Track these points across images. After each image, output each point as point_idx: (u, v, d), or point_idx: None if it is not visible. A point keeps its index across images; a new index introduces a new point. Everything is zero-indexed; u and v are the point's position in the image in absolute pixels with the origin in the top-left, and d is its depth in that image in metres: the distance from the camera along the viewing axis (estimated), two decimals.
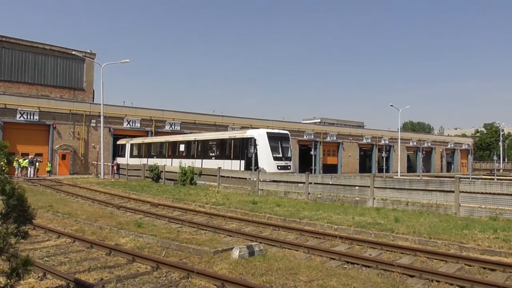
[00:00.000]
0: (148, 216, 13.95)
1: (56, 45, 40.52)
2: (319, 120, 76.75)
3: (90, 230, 10.91)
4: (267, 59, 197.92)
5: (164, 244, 9.16)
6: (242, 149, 25.58)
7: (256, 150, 24.59)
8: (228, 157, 27.10)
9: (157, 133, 41.40)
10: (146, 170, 28.67)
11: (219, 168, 23.34)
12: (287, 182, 19.62)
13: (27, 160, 31.98)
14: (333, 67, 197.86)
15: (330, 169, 53.12)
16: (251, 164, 24.36)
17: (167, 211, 15.58)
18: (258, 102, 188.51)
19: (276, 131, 27.53)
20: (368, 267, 7.85)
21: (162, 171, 27.11)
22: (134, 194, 20.80)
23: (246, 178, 21.68)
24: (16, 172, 30.59)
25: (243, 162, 25.29)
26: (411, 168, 65.91)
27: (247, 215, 14.04)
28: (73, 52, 37.79)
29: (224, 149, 28.33)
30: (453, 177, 15.31)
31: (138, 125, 41.04)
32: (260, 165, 24.11)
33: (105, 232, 10.72)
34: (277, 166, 24.39)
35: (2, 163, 4.85)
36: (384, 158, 51.03)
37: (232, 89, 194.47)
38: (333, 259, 8.43)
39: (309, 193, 18.06)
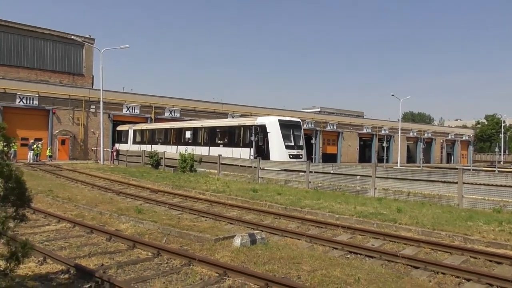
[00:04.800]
0: (148, 202, 13.85)
1: (55, 30, 40.06)
2: (318, 109, 76.24)
3: (90, 215, 10.81)
4: (267, 46, 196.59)
5: (164, 231, 9.07)
6: (252, 137, 24.85)
7: (267, 138, 24.09)
8: (237, 145, 26.55)
9: (156, 120, 41.16)
10: (146, 156, 28.51)
11: (219, 155, 23.20)
12: (287, 170, 19.51)
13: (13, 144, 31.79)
14: (332, 55, 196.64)
15: (330, 158, 53.02)
16: (262, 152, 23.88)
17: (167, 197, 15.48)
18: (257, 90, 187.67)
19: (288, 118, 26.89)
20: (372, 257, 7.77)
21: (162, 158, 26.96)
22: (134, 180, 20.69)
23: (246, 166, 21.48)
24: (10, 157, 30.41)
25: (252, 150, 24.63)
26: (410, 158, 65.84)
27: (248, 203, 13.95)
28: (72, 37, 37.28)
29: (232, 136, 27.76)
30: (454, 168, 15.19)
31: (137, 111, 40.77)
32: (271, 153, 23.58)
33: (105, 217, 10.62)
34: (289, 154, 23.79)
35: (0, 146, 4.70)
36: (385, 148, 50.90)
37: (231, 76, 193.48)
38: (336, 248, 8.35)
39: (309, 182, 17.96)
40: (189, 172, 23.52)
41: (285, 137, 24.25)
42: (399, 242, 8.93)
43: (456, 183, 13.81)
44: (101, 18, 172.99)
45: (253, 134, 24.66)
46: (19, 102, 34.38)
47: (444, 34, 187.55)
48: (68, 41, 39.53)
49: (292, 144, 24.58)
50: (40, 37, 39.18)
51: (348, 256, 7.95)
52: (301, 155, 24.81)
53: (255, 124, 25.29)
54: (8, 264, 4.70)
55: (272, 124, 24.47)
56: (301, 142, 25.51)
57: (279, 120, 24.92)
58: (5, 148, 4.71)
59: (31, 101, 34.95)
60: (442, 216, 11.27)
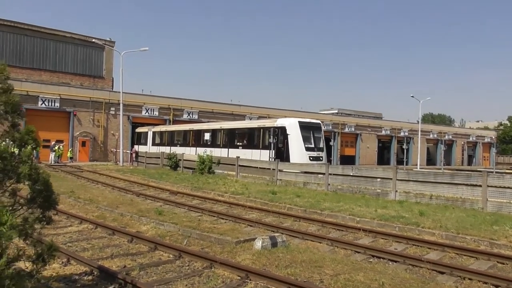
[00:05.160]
0: (168, 204, 13.93)
1: (76, 33, 40.85)
2: (336, 111, 75.68)
3: (111, 217, 10.93)
4: (284, 47, 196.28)
5: (185, 233, 9.09)
6: (272, 139, 24.57)
7: (287, 140, 23.88)
8: (257, 147, 26.36)
9: (175, 122, 41.50)
10: (165, 158, 28.75)
11: (237, 157, 23.21)
12: (306, 172, 19.38)
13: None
14: (349, 55, 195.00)
15: (348, 160, 52.55)
16: (282, 154, 23.65)
17: (186, 199, 15.55)
18: (273, 91, 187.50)
19: (308, 120, 26.52)
20: (395, 261, 7.62)
21: (180, 159, 27.15)
22: (153, 181, 20.87)
23: (264, 168, 21.42)
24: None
25: (272, 152, 24.36)
26: (430, 161, 64.71)
27: (267, 205, 13.91)
28: (93, 40, 37.98)
29: (252, 138, 27.59)
30: (477, 171, 14.84)
31: (156, 113, 41.19)
32: (291, 155, 23.36)
33: (126, 219, 10.73)
34: (309, 157, 23.50)
35: (29, 148, 4.76)
36: (405, 150, 50.12)
37: (247, 78, 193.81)
38: (358, 252, 8.22)
39: (328, 184, 17.80)
40: (207, 174, 23.61)
41: (305, 139, 23.94)
42: (423, 246, 8.76)
43: (480, 186, 13.47)
44: (119, 21, 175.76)
45: (272, 136, 24.49)
46: (41, 104, 35.13)
47: (464, 32, 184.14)
48: (89, 44, 40.25)
49: (312, 146, 24.27)
50: (62, 40, 40.01)
51: (371, 260, 7.82)
52: (321, 157, 24.46)
53: (275, 126, 25.07)
54: (35, 266, 4.76)
55: (292, 126, 24.21)
56: (321, 144, 25.17)
57: (299, 122, 24.61)
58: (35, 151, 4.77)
59: (53, 103, 35.67)
60: (466, 220, 11.00)
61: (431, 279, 6.68)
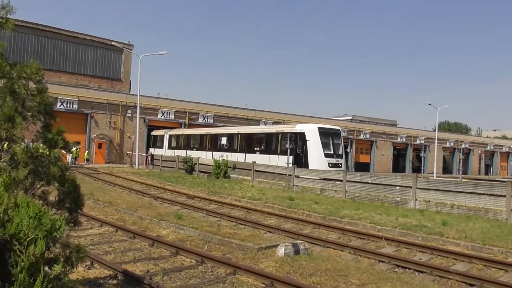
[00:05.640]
0: (186, 208, 13.91)
1: (96, 36, 41.39)
2: (350, 117, 75.08)
3: (131, 220, 10.95)
4: (297, 52, 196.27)
5: (206, 238, 9.03)
6: (291, 144, 24.34)
7: (306, 145, 23.66)
8: (275, 152, 26.12)
9: (190, 125, 41.67)
10: (180, 161, 28.82)
11: (254, 162, 23.14)
12: (324, 179, 19.19)
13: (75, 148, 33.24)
14: (365, 62, 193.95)
15: (363, 167, 52.03)
16: (300, 160, 23.43)
17: (203, 203, 15.52)
18: (287, 97, 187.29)
19: (327, 126, 26.30)
20: (421, 272, 7.44)
21: (195, 163, 27.19)
22: (169, 185, 20.91)
23: (281, 174, 21.27)
24: None
25: (291, 158, 24.10)
26: (446, 169, 63.76)
27: (285, 211, 13.79)
28: (113, 43, 38.45)
29: (270, 143, 27.40)
30: (496, 180, 14.49)
31: (172, 116, 41.42)
32: (310, 161, 23.13)
33: (145, 222, 10.72)
34: (328, 163, 23.23)
35: (58, 149, 4.76)
36: (423, 158, 49.44)
37: (262, 83, 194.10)
38: (382, 261, 8.06)
39: (346, 191, 17.59)
40: (222, 178, 23.58)
41: (325, 145, 23.65)
42: (448, 257, 8.55)
43: (505, 196, 13.16)
44: (136, 24, 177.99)
45: (291, 142, 24.29)
46: (59, 106, 35.60)
47: (482, 39, 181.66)
48: (108, 47, 40.76)
49: (332, 152, 23.98)
50: (82, 42, 40.57)
51: (396, 270, 7.65)
52: (341, 164, 24.17)
53: (294, 131, 24.86)
54: (63, 269, 4.74)
55: (311, 131, 23.95)
56: (341, 151, 24.88)
57: (319, 128, 24.36)
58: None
59: (71, 105, 36.13)
60: (491, 231, 10.73)
61: None
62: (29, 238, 2.37)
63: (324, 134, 24.14)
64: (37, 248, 2.34)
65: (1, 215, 2.40)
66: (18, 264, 2.32)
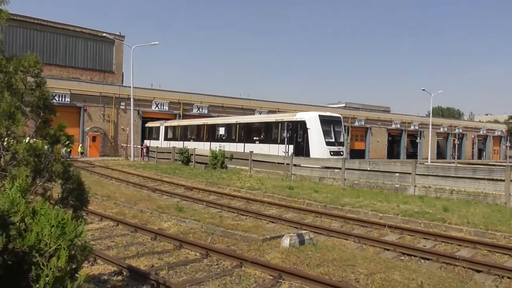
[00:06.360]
0: (185, 200, 13.80)
1: (86, 28, 40.71)
2: (343, 105, 74.98)
3: (131, 213, 10.81)
4: (290, 40, 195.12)
5: (208, 230, 8.93)
6: (291, 133, 24.10)
7: (307, 134, 23.40)
8: (275, 141, 25.86)
9: (185, 116, 41.36)
10: (176, 153, 28.65)
11: (251, 152, 23.02)
12: (322, 168, 19.15)
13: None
14: (356, 48, 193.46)
15: (358, 154, 52.16)
16: (301, 149, 23.22)
17: (202, 194, 15.41)
18: (280, 85, 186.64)
19: (328, 114, 26.04)
20: (427, 259, 7.41)
21: (192, 154, 27.02)
22: (166, 177, 20.75)
23: (279, 163, 21.17)
24: None
25: (291, 147, 23.93)
26: (440, 154, 64.13)
27: (285, 200, 13.73)
28: (104, 35, 37.86)
29: (270, 132, 27.11)
30: (490, 164, 14.53)
31: (166, 108, 41.07)
32: (311, 150, 22.90)
33: (146, 215, 10.60)
34: (330, 151, 23.02)
35: (61, 144, 4.61)
36: (418, 144, 49.57)
37: (254, 71, 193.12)
38: (388, 249, 8.03)
39: (345, 179, 17.57)
40: (220, 168, 23.47)
41: (326, 133, 23.42)
42: (452, 243, 8.53)
43: (503, 180, 13.20)
44: (127, 14, 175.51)
45: (292, 130, 24.06)
46: (51, 100, 35.01)
47: (473, 24, 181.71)
48: (99, 38, 40.13)
49: (333, 140, 23.78)
50: (72, 35, 39.87)
51: (402, 258, 7.62)
52: (342, 151, 23.99)
53: (294, 120, 24.53)
54: (68, 268, 4.62)
55: (312, 119, 23.64)
56: (342, 139, 24.73)
57: (320, 116, 24.04)
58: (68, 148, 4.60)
59: (63, 99, 35.64)
60: (492, 216, 10.75)
61: (469, 278, 6.47)
62: (51, 249, 2.21)
63: (325, 122, 23.90)
64: (60, 260, 2.17)
65: (18, 224, 2.24)
66: (41, 279, 2.14)
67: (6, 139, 3.70)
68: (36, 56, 4.01)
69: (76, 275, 4.51)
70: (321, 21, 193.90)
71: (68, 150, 33.41)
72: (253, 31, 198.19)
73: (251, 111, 44.58)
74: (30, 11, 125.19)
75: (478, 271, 6.73)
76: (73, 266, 4.96)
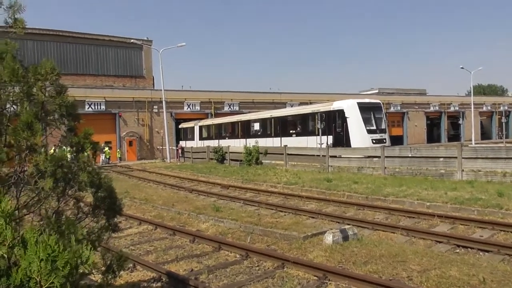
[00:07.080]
0: (222, 199, 13.62)
1: (115, 36, 41.56)
2: (377, 91, 72.86)
3: (169, 216, 10.72)
4: (318, 29, 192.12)
5: (247, 229, 8.65)
6: (329, 124, 23.37)
7: (346, 123, 22.59)
8: (312, 133, 25.10)
9: (216, 115, 41.48)
10: (211, 152, 28.68)
11: (285, 146, 22.63)
12: (363, 156, 18.48)
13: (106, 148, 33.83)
14: (386, 29, 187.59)
15: (396, 140, 50.32)
16: (341, 139, 22.46)
17: (239, 192, 15.21)
18: (310, 76, 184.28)
19: (367, 100, 25.17)
20: (487, 251, 6.80)
21: (226, 152, 26.95)
22: (202, 176, 20.74)
23: (314, 155, 20.63)
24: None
25: (330, 137, 23.08)
26: (485, 135, 61.10)
27: (324, 194, 13.28)
28: (132, 41, 38.49)
29: (306, 124, 26.46)
30: None
31: (198, 108, 41.34)
32: (352, 139, 22.09)
33: (184, 217, 10.46)
34: (372, 140, 22.10)
35: (88, 152, 4.43)
36: (460, 125, 47.29)
37: (283, 63, 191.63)
38: (440, 242, 7.45)
39: (385, 168, 16.85)
40: (255, 165, 23.23)
41: (366, 121, 22.49)
42: None
43: None
44: (152, 17, 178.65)
45: (330, 121, 23.32)
46: (88, 108, 36.11)
47: None
48: (128, 45, 40.89)
49: (374, 128, 22.79)
50: (102, 44, 40.88)
51: (457, 250, 7.05)
52: (385, 139, 22.93)
53: (331, 109, 23.74)
54: (105, 278, 4.46)
55: (350, 108, 22.75)
56: (383, 125, 23.71)
57: (358, 103, 23.14)
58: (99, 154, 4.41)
59: (99, 106, 36.59)
60: None
61: None
62: None
63: (365, 109, 22.96)
64: None
65: (7, 256, 1.91)
66: None
67: (27, 152, 3.54)
68: (52, 63, 3.81)
69: None
70: (346, 5, 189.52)
71: (108, 156, 34.40)
72: (280, 18, 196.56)
73: (282, 105, 44.07)
74: (58, 25, 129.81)
75: None
76: (109, 277, 4.76)
